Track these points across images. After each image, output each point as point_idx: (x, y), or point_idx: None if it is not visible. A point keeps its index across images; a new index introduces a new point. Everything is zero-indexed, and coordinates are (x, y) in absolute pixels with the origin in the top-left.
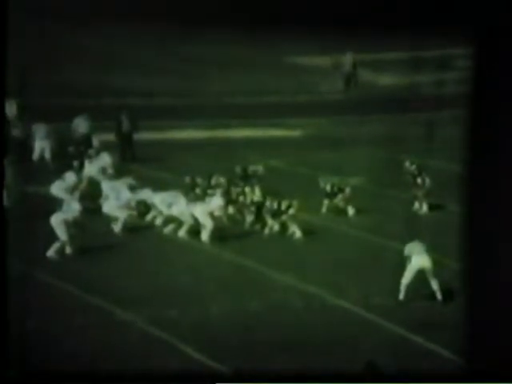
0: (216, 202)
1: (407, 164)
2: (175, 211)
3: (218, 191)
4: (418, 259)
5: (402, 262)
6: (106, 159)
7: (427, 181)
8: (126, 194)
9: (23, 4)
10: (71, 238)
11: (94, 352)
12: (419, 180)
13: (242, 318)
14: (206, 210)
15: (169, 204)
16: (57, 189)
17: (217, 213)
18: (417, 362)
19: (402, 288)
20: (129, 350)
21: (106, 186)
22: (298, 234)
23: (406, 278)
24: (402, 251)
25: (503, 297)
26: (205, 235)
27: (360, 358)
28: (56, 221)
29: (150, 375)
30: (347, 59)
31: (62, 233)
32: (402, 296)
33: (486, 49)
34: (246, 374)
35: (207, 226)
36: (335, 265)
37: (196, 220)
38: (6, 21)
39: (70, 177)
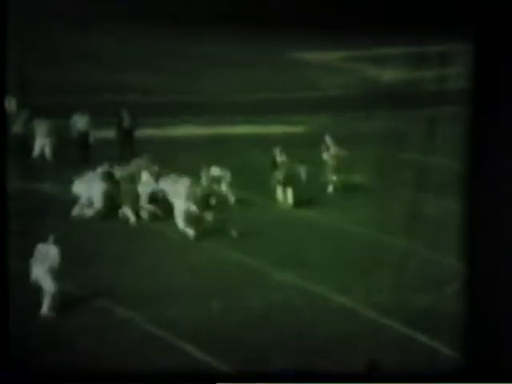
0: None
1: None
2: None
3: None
4: None
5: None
6: (140, 164)
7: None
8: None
9: (23, 4)
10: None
11: (94, 351)
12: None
13: (243, 317)
14: (176, 189)
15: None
16: (78, 187)
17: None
18: (418, 362)
19: None
20: (129, 349)
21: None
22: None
23: None
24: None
25: (504, 297)
26: (179, 220)
27: (362, 357)
28: (39, 274)
29: (150, 374)
30: None
31: (49, 285)
32: None
33: (488, 45)
34: (247, 372)
35: (178, 207)
36: (337, 262)
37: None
38: (6, 21)
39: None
